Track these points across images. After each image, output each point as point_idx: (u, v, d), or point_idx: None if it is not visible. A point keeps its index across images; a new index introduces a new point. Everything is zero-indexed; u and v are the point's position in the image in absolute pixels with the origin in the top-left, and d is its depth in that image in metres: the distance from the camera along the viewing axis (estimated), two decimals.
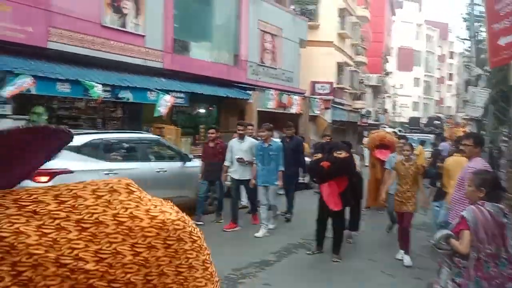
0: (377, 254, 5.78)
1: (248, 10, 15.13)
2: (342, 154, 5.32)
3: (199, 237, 1.38)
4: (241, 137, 6.95)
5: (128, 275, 1.17)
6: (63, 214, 1.13)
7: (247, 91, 14.58)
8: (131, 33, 10.99)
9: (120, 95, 10.28)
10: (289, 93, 17.00)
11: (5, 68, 8.34)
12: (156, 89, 10.83)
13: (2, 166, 1.23)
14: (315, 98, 19.99)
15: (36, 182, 5.65)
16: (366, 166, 9.96)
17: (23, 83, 8.22)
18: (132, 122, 11.48)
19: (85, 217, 1.14)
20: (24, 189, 1.25)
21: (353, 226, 6.41)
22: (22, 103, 8.93)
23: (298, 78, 18.60)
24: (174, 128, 11.79)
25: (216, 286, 1.40)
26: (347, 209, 5.97)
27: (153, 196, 1.35)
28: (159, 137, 8.42)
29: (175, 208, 1.35)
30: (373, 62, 33.67)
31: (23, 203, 1.19)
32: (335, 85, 22.15)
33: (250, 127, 8.22)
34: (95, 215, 1.16)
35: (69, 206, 1.16)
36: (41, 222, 1.10)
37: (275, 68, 16.94)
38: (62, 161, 5.96)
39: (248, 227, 6.87)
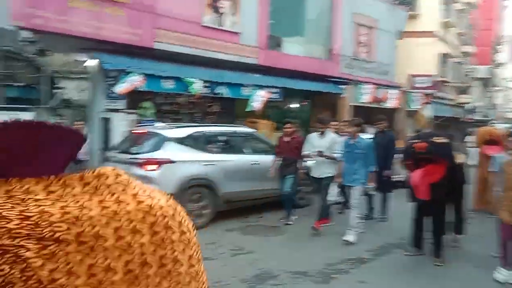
0: (488, 262, 5.23)
1: (341, 3, 14.76)
2: (441, 139, 4.91)
3: (189, 230, 1.26)
4: (322, 132, 6.60)
5: (108, 260, 1.12)
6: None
7: (340, 86, 14.27)
8: (227, 31, 11.44)
9: (216, 91, 10.79)
10: (385, 87, 16.23)
11: (119, 67, 9.27)
12: (250, 84, 11.14)
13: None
14: (413, 92, 18.79)
15: (145, 170, 6.24)
16: (472, 165, 9.10)
17: (134, 81, 9.06)
18: (227, 117, 11.97)
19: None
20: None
21: (458, 229, 5.89)
22: (132, 99, 9.86)
23: (394, 71, 17.66)
24: (268, 123, 12.01)
25: (203, 286, 1.26)
26: (448, 211, 5.49)
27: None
28: (253, 131, 8.65)
29: (168, 197, 1.26)
30: (482, 52, 30.54)
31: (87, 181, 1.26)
32: (437, 78, 20.58)
33: (333, 123, 7.80)
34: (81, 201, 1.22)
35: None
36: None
37: (370, 61, 16.29)
38: (167, 151, 6.48)
39: (341, 224, 6.72)
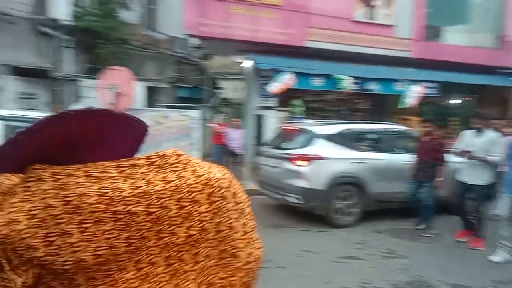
0: None
1: None
2: None
3: (243, 201, 1.40)
4: (479, 129, 5.56)
5: (172, 227, 1.26)
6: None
7: None
8: (380, 24, 10.97)
9: (367, 87, 10.47)
10: None
11: (272, 67, 9.77)
12: (403, 79, 10.48)
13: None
14: None
15: (296, 165, 6.46)
16: None
17: (286, 79, 9.45)
18: (378, 113, 11.49)
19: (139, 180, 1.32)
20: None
21: None
22: (283, 97, 10.28)
23: None
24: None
25: (256, 252, 1.40)
26: None
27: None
28: (406, 128, 8.12)
29: (225, 171, 1.40)
30: None
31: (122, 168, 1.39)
32: None
33: (497, 120, 6.57)
34: (147, 178, 1.31)
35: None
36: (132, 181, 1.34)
37: None
38: (316, 148, 6.57)
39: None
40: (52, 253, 1.34)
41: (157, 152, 1.48)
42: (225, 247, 1.43)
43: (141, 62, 11.44)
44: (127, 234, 1.34)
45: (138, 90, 8.90)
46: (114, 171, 1.41)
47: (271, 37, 10.12)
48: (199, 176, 1.40)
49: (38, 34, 8.75)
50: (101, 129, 1.50)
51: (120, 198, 1.34)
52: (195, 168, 1.43)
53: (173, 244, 1.37)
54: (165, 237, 1.36)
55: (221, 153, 9.57)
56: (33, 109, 8.77)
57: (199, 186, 1.37)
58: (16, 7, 8.15)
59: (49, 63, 9.02)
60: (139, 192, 1.34)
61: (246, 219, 1.46)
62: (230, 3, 9.65)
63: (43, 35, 8.83)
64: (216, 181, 1.39)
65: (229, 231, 1.41)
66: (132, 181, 1.39)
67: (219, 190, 1.39)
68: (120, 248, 1.36)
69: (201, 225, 1.36)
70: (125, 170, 1.42)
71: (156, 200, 1.34)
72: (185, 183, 1.38)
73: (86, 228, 1.32)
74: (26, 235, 1.35)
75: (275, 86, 9.46)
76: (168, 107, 10.44)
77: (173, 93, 13.04)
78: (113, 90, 8.09)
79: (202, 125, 9.33)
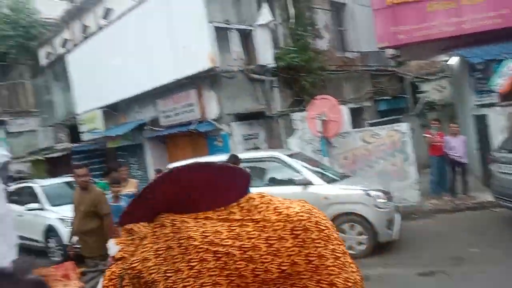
0: None
1: None
2: None
3: (327, 227, 1.49)
4: None
5: (265, 264, 1.40)
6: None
7: None
8: None
9: None
10: None
11: (486, 58, 8.51)
12: None
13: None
14: None
15: None
16: None
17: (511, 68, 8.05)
18: None
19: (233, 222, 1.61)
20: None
21: None
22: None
23: None
24: None
25: (353, 276, 1.41)
26: None
27: None
28: None
29: (304, 203, 1.56)
30: None
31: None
32: None
33: None
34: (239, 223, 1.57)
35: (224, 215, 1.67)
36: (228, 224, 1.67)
37: None
38: None
39: None
40: (168, 287, 1.60)
41: (245, 197, 1.70)
42: (320, 277, 1.47)
43: (339, 84, 11.72)
44: (227, 272, 1.51)
45: (344, 114, 9.08)
46: (215, 217, 1.65)
47: (478, 25, 8.90)
48: (279, 214, 1.54)
49: (251, 82, 10.01)
50: (208, 179, 1.76)
51: (219, 240, 1.54)
52: (276, 206, 1.59)
53: (268, 279, 1.49)
54: (260, 274, 1.49)
55: (441, 164, 8.76)
56: (256, 148, 10.00)
57: (281, 224, 1.51)
58: (233, 64, 9.56)
59: (262, 105, 10.16)
60: (234, 234, 1.54)
61: (334, 245, 1.51)
62: (427, 2, 8.97)
63: (255, 81, 10.05)
64: (295, 215, 1.51)
65: (319, 260, 1.47)
66: (229, 223, 1.61)
67: (299, 223, 1.50)
68: (223, 285, 1.53)
69: (290, 259, 1.47)
70: (222, 216, 1.64)
71: (247, 241, 1.51)
72: (269, 222, 1.54)
73: (193, 266, 1.56)
74: (153, 271, 1.68)
75: (503, 80, 8.13)
76: (374, 124, 10.29)
77: (374, 108, 12.83)
78: (321, 118, 8.47)
79: (412, 136, 8.78)
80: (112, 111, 12.80)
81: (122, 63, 11.41)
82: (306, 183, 6.39)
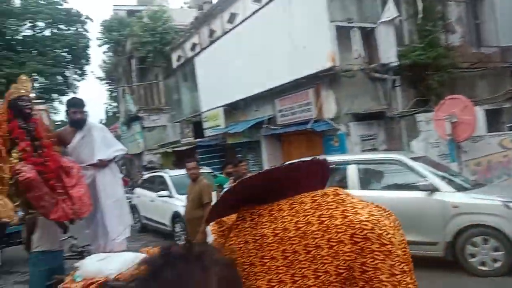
0: None
1: None
2: None
3: (391, 242, 1.46)
4: None
5: (325, 265, 1.48)
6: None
7: None
8: None
9: None
10: None
11: None
12: None
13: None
14: None
15: None
16: None
17: None
18: None
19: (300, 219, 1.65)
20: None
21: None
22: None
23: None
24: None
25: None
26: None
27: None
28: None
29: (378, 211, 1.58)
30: None
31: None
32: None
33: None
34: (307, 217, 1.62)
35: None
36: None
37: None
38: None
39: None
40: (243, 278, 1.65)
41: (322, 190, 1.74)
42: None
43: (472, 83, 10.58)
44: (292, 272, 1.55)
45: (478, 116, 8.17)
46: (287, 209, 1.71)
47: None
48: (345, 217, 1.55)
49: (372, 81, 9.65)
50: (289, 178, 1.88)
51: (287, 239, 1.60)
52: (346, 208, 1.58)
53: (328, 282, 1.49)
54: (321, 275, 1.49)
55: None
56: (374, 149, 9.61)
57: (343, 227, 1.51)
58: (353, 62, 9.33)
59: (383, 105, 9.70)
60: (300, 233, 1.58)
61: (394, 261, 1.46)
62: None
63: (376, 80, 9.66)
64: (359, 223, 1.50)
65: (374, 272, 1.44)
66: (296, 220, 1.64)
67: (361, 232, 1.48)
68: (287, 284, 1.55)
69: (346, 264, 1.47)
70: (294, 207, 1.69)
71: (312, 240, 1.55)
72: (333, 223, 1.55)
73: (265, 262, 1.64)
74: (237, 261, 1.75)
75: None
76: None
77: None
78: (451, 120, 7.75)
79: None
80: (232, 110, 13.54)
81: (243, 64, 12.00)
82: (432, 189, 5.91)
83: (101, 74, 35.67)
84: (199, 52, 15.69)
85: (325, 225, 1.59)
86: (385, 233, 1.53)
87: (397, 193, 6.14)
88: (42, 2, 29.00)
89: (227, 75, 13.02)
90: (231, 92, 12.89)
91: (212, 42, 14.63)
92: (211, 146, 15.04)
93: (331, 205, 1.65)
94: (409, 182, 6.31)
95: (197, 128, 16.28)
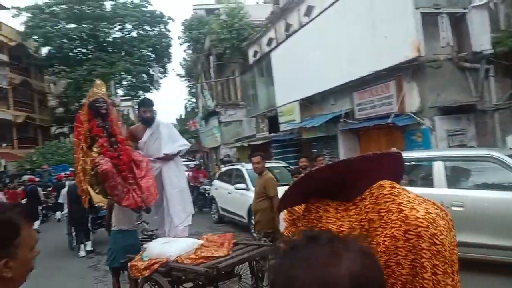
0: None
1: None
2: None
3: (442, 243, 1.50)
4: None
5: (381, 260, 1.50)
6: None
7: None
8: None
9: None
10: None
11: None
12: None
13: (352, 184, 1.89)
14: None
15: None
16: None
17: None
18: None
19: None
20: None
21: None
22: None
23: None
24: None
25: None
26: None
27: None
28: None
29: (435, 209, 1.58)
30: None
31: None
32: None
33: None
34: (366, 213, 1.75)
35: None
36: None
37: None
38: None
39: None
40: None
41: (376, 184, 1.75)
42: (416, 284, 1.51)
43: None
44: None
45: None
46: (353, 208, 1.80)
47: None
48: (400, 212, 1.57)
49: (461, 71, 8.92)
50: (360, 170, 1.89)
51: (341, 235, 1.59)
52: (402, 201, 1.61)
53: (396, 275, 1.56)
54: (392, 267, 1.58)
55: None
56: (462, 145, 8.90)
57: (398, 222, 1.55)
58: (440, 52, 8.70)
59: (474, 97, 8.93)
60: (364, 230, 1.65)
61: (439, 261, 1.49)
62: None
63: (467, 70, 8.90)
64: (415, 220, 1.52)
65: (420, 269, 1.50)
66: (360, 218, 1.71)
67: (415, 229, 1.51)
68: None
69: (396, 259, 1.52)
70: (358, 206, 1.78)
71: (372, 238, 1.61)
72: (390, 218, 1.59)
73: None
74: None
75: None
76: None
77: None
78: None
79: None
80: (308, 104, 13.41)
81: (320, 57, 11.80)
82: None
83: (181, 71, 37.49)
84: (275, 47, 15.75)
85: (383, 222, 1.69)
86: (439, 233, 1.56)
87: (490, 193, 5.62)
88: (130, 6, 31.19)
89: (303, 69, 12.91)
90: (307, 86, 12.75)
91: (288, 36, 14.59)
92: (286, 140, 15.06)
93: (388, 198, 1.71)
94: (505, 182, 5.74)
95: (272, 123, 16.40)
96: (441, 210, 1.70)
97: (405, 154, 7.28)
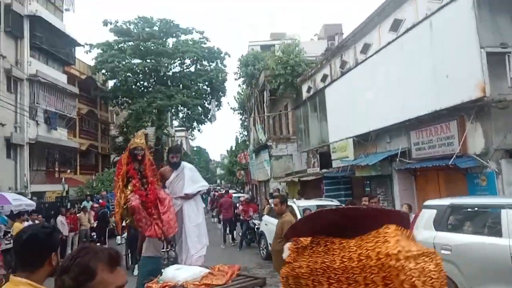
0: None
1: None
2: None
3: (432, 286, 1.87)
4: None
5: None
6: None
7: None
8: None
9: None
10: None
11: None
12: None
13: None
14: None
15: None
16: None
17: None
18: None
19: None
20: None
21: None
22: None
23: None
24: None
25: None
26: None
27: None
28: None
29: (417, 255, 1.96)
30: None
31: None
32: None
33: None
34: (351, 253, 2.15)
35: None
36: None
37: None
38: None
39: None
40: None
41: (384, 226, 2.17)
42: None
43: None
44: None
45: None
46: (354, 241, 2.17)
47: None
48: (379, 259, 1.98)
49: None
50: (362, 219, 2.24)
51: (350, 268, 2.01)
52: (390, 245, 2.01)
53: None
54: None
55: None
56: None
57: (376, 269, 1.94)
58: (507, 91, 8.25)
59: None
60: (343, 267, 2.03)
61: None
62: None
63: None
64: (409, 270, 1.88)
65: None
66: (359, 252, 2.04)
67: (410, 279, 1.86)
68: None
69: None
70: (361, 238, 2.15)
71: (352, 275, 1.99)
72: (368, 263, 1.97)
73: (332, 283, 2.11)
74: (305, 277, 2.26)
75: None
76: None
77: None
78: None
79: None
80: (362, 141, 13.14)
81: (376, 94, 11.63)
82: None
83: (235, 105, 38.46)
84: (330, 83, 15.78)
85: (362, 264, 2.02)
86: (429, 279, 1.88)
87: None
88: (190, 43, 32.92)
89: (358, 105, 12.77)
90: (362, 123, 12.55)
91: (343, 73, 14.59)
92: (337, 177, 14.76)
93: (380, 239, 2.09)
94: None
95: (324, 159, 16.20)
96: (430, 252, 2.05)
97: (471, 200, 6.89)
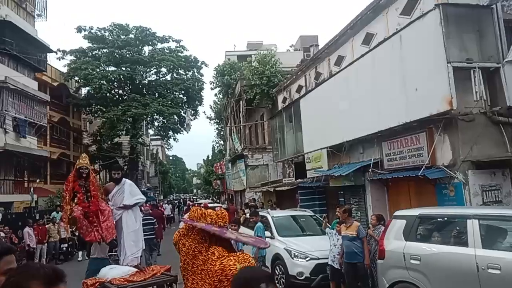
0: None
1: None
2: None
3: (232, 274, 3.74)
4: None
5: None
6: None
7: None
8: None
9: None
10: None
11: None
12: None
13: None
14: None
15: None
16: None
17: None
18: None
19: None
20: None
21: None
22: None
23: None
24: None
25: None
26: None
27: None
28: None
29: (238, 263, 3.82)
30: None
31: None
32: None
33: None
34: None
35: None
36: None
37: None
38: None
39: None
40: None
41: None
42: None
43: None
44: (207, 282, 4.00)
45: None
46: (220, 251, 4.10)
47: None
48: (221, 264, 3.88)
49: (494, 125, 8.71)
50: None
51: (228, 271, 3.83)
52: (229, 259, 3.94)
53: None
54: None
55: None
56: (497, 201, 8.52)
57: (219, 271, 3.85)
58: (472, 105, 8.58)
59: (508, 151, 8.64)
60: (219, 270, 3.84)
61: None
62: None
63: (500, 125, 8.69)
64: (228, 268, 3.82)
65: None
66: (218, 263, 3.92)
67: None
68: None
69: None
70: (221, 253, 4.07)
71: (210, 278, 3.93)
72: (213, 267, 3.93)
73: (196, 268, 4.27)
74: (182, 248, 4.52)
75: None
76: None
77: None
78: None
79: None
80: (336, 152, 13.33)
81: (349, 106, 11.85)
82: None
83: (211, 114, 38.35)
84: (304, 94, 15.97)
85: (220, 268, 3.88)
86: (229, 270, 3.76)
87: None
88: (167, 51, 32.72)
89: (332, 116, 12.97)
90: (336, 134, 12.74)
91: (318, 84, 14.81)
92: (312, 187, 14.89)
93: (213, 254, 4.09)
94: None
95: (299, 169, 16.31)
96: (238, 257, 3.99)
97: (439, 210, 7.05)
